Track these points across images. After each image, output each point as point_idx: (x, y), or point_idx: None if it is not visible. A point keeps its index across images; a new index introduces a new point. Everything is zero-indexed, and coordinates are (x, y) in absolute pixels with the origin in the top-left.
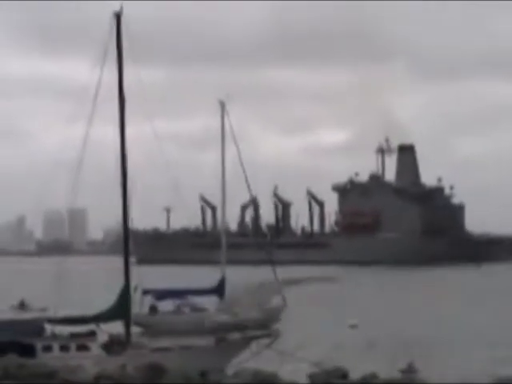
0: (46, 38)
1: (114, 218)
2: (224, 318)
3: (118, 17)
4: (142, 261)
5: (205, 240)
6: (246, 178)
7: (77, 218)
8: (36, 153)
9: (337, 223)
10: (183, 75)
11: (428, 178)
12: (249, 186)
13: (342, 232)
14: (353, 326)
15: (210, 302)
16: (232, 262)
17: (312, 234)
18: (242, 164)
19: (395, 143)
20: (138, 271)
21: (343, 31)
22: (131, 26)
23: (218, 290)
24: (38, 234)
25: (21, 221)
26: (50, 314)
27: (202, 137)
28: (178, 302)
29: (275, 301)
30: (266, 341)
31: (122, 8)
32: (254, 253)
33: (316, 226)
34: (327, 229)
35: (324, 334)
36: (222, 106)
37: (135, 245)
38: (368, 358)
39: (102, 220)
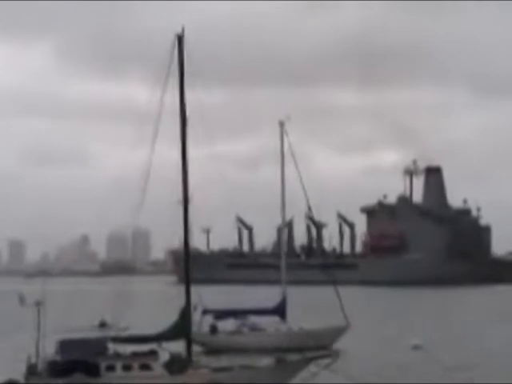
0: (106, 60)
1: (176, 238)
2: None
3: (179, 39)
4: (182, 280)
5: (242, 260)
6: (306, 198)
7: (140, 238)
8: (99, 174)
9: (365, 244)
10: (243, 96)
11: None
12: (309, 207)
13: (369, 253)
14: (416, 347)
15: (269, 323)
16: (270, 282)
17: (342, 255)
18: (303, 185)
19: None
20: (198, 291)
21: (402, 52)
22: (193, 48)
23: (279, 310)
24: (102, 253)
25: (84, 240)
26: (121, 333)
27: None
28: (238, 321)
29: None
30: (325, 361)
31: (183, 30)
32: (289, 273)
33: (347, 247)
34: (357, 250)
35: (382, 354)
36: (281, 126)
37: (178, 265)
38: (426, 375)
39: (166, 240)
